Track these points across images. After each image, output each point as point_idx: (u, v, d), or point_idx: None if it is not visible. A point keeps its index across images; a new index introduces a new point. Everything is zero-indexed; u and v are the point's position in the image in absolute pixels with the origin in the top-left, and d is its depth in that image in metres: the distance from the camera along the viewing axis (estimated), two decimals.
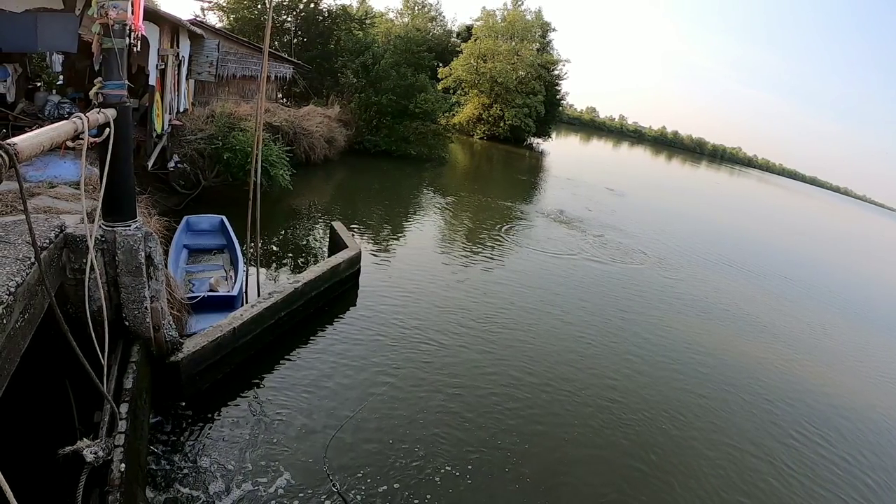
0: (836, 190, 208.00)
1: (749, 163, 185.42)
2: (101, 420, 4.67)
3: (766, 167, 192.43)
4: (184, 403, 6.92)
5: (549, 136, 61.31)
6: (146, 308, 6.16)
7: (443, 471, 7.00)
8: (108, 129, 4.91)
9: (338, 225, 13.19)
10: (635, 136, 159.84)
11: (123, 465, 4.35)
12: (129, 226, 5.91)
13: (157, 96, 12.68)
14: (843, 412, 11.61)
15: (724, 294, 18.36)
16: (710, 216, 39.78)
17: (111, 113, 5.02)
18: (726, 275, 21.26)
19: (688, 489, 7.87)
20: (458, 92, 53.36)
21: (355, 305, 11.40)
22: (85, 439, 4.08)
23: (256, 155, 9.40)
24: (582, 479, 7.61)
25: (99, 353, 4.72)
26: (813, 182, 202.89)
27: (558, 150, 63.08)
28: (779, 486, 8.42)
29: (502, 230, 20.18)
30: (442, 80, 51.38)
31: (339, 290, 11.31)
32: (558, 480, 7.41)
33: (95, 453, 4.04)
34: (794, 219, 59.70)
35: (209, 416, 7.02)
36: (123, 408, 4.96)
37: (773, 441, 9.68)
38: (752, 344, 14.32)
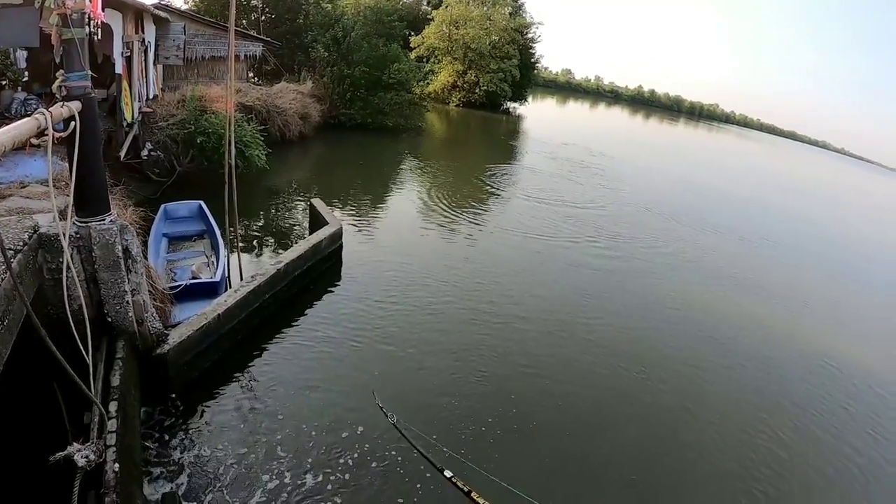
0: (815, 144, 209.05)
1: (727, 119, 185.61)
2: (90, 421, 4.63)
3: (745, 123, 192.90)
4: (174, 395, 6.88)
5: (526, 100, 60.89)
6: (128, 302, 6.09)
7: (447, 436, 7.11)
8: (73, 123, 4.78)
9: (317, 202, 13.12)
10: (612, 96, 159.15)
11: (117, 465, 4.31)
12: (104, 220, 5.81)
13: (125, 84, 12.38)
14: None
15: (716, 254, 18.77)
16: (694, 176, 40.23)
17: (75, 106, 4.88)
18: (711, 234, 21.56)
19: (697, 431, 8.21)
20: (432, 60, 52.60)
21: (339, 281, 11.47)
22: (75, 444, 4.01)
23: (229, 137, 9.27)
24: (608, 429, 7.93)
25: (83, 352, 4.66)
26: (792, 137, 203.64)
27: (535, 113, 62.86)
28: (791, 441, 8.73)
29: (483, 196, 20.42)
30: (414, 48, 50.54)
31: (323, 268, 11.33)
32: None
33: (87, 457, 3.99)
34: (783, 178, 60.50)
35: (201, 406, 7.01)
36: (112, 406, 4.91)
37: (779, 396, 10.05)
38: (747, 302, 14.69)
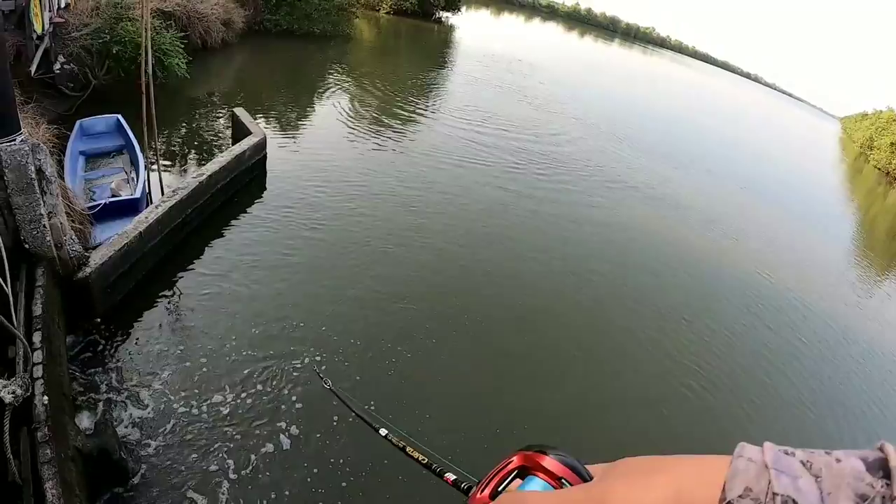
0: (747, 76, 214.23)
1: (662, 43, 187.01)
2: (15, 355, 4.54)
3: (679, 49, 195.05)
4: (99, 320, 6.73)
5: (459, 10, 59.26)
6: (45, 226, 5.80)
7: (381, 344, 7.62)
8: None
9: (240, 111, 12.72)
10: (547, 11, 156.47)
11: (46, 397, 4.27)
12: (14, 140, 5.44)
13: None
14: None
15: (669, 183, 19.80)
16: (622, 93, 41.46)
17: None
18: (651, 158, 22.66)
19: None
20: None
21: (265, 192, 11.43)
22: (0, 380, 3.92)
23: (146, 45, 8.84)
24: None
25: (2, 283, 4.52)
26: (725, 66, 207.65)
27: (469, 23, 61.56)
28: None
29: (413, 111, 20.34)
30: None
31: (247, 179, 11.20)
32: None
33: (13, 392, 3.90)
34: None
35: (128, 329, 6.92)
36: (37, 336, 4.82)
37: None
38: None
